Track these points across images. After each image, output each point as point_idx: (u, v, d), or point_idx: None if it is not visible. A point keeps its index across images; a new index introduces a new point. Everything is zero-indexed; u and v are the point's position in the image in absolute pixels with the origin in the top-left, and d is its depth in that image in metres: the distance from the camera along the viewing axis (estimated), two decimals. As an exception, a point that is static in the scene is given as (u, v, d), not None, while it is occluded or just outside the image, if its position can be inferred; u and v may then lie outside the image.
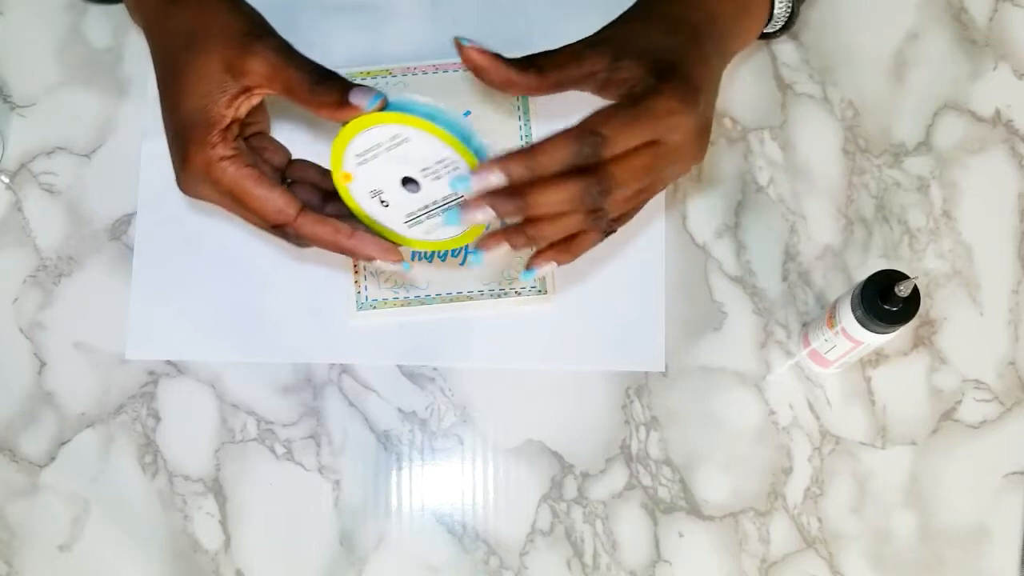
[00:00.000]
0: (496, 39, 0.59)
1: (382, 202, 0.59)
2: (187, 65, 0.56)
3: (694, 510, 0.77)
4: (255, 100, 0.57)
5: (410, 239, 0.61)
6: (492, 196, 0.54)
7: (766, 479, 0.78)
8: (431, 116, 0.54)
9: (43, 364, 0.79)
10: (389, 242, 0.60)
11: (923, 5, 0.85)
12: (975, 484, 0.78)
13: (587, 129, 0.53)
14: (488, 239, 0.57)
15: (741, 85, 0.83)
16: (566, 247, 0.58)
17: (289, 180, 0.62)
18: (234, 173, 0.57)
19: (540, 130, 0.80)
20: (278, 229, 0.59)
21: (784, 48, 0.84)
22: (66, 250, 0.81)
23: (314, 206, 0.60)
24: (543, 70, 0.56)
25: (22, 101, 0.83)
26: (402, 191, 0.58)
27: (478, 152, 0.55)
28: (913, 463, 0.78)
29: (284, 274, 0.80)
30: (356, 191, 0.59)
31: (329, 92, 0.55)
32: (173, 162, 0.58)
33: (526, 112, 0.80)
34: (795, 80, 0.84)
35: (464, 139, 0.55)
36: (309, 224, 0.58)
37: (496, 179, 0.53)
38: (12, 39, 0.84)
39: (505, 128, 0.80)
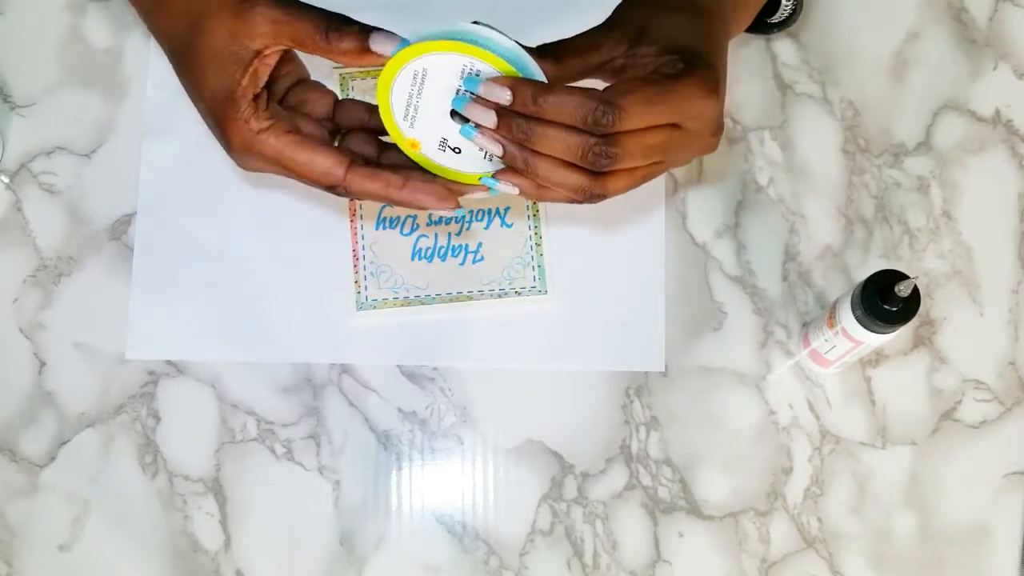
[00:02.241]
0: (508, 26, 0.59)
1: (453, 149, 0.58)
2: (195, 48, 0.55)
3: (694, 510, 0.77)
4: (271, 61, 0.56)
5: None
6: (501, 111, 0.53)
7: (766, 479, 0.78)
8: (448, 36, 0.53)
9: (43, 364, 0.79)
10: (444, 188, 0.58)
11: (923, 5, 0.85)
12: (975, 484, 0.78)
13: (605, 99, 0.52)
14: (506, 171, 0.56)
15: (741, 85, 0.83)
16: (538, 187, 0.57)
17: (341, 131, 0.61)
18: (275, 143, 0.56)
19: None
20: (332, 189, 0.57)
21: (784, 48, 0.84)
22: (66, 250, 0.81)
23: (369, 157, 0.59)
24: (561, 59, 0.56)
25: (22, 101, 0.83)
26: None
27: (490, 48, 0.54)
28: (913, 463, 0.78)
29: (284, 274, 0.80)
30: (428, 152, 0.58)
31: (347, 38, 0.54)
32: (220, 143, 0.57)
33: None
34: (795, 80, 0.84)
35: (476, 42, 0.54)
36: (358, 181, 0.57)
37: (502, 94, 0.53)
38: (12, 39, 0.84)
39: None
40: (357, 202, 0.80)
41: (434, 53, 0.53)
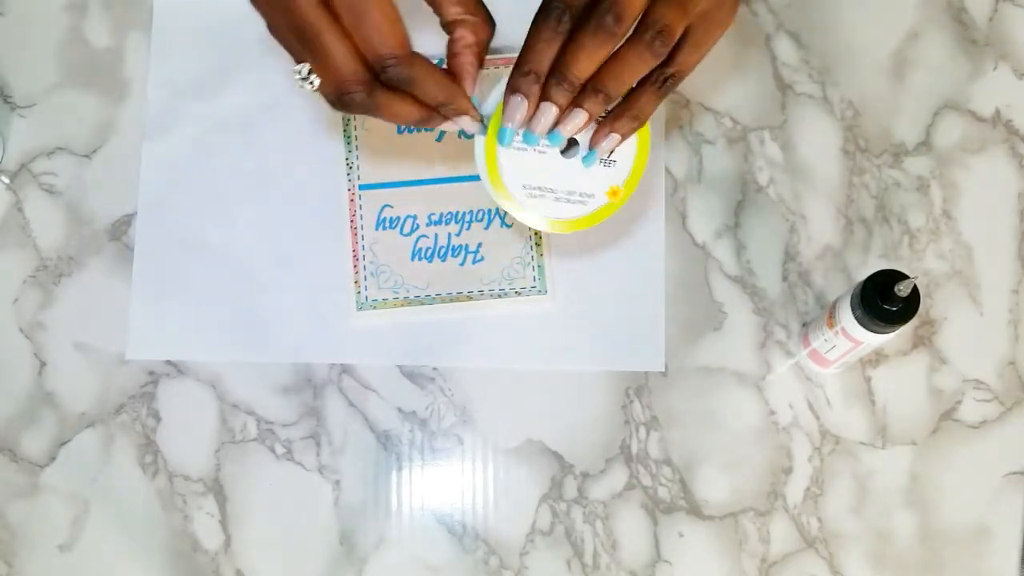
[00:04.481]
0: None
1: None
2: None
3: (694, 510, 0.77)
4: None
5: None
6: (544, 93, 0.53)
7: (766, 479, 0.78)
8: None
9: (43, 364, 0.79)
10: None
11: (923, 5, 0.85)
12: (975, 484, 0.78)
13: (603, 10, 0.51)
14: (596, 134, 0.56)
15: (741, 85, 0.83)
16: (624, 114, 0.55)
17: None
18: None
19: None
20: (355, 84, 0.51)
21: (784, 48, 0.84)
22: (66, 250, 0.81)
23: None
24: None
25: (22, 101, 0.83)
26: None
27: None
28: (913, 463, 0.78)
29: (284, 274, 0.80)
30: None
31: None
32: None
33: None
34: (795, 80, 0.84)
35: None
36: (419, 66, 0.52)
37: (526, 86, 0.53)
38: (12, 39, 0.84)
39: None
40: (357, 202, 0.80)
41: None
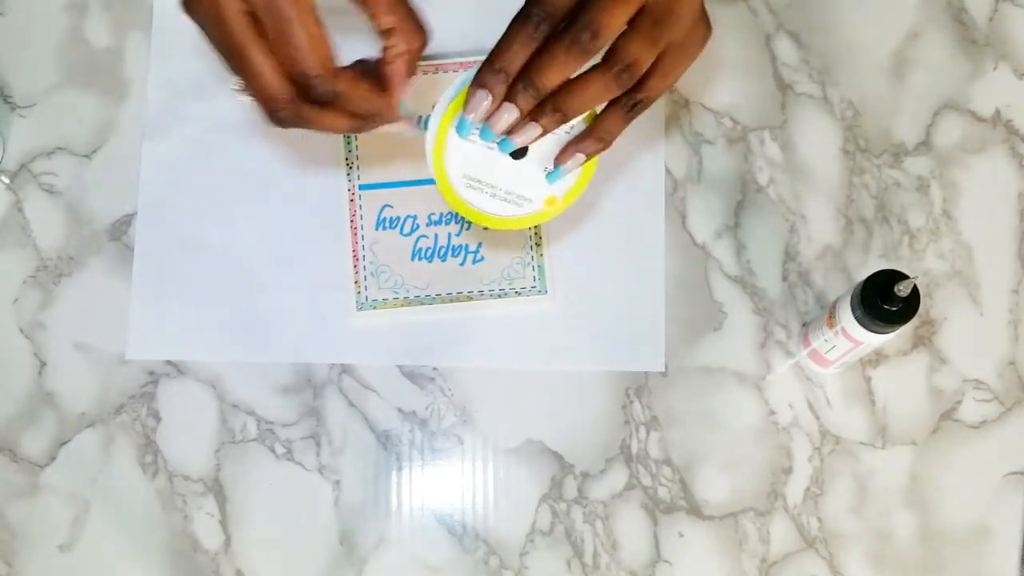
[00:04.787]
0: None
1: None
2: None
3: (694, 510, 0.77)
4: None
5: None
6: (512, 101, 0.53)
7: (766, 479, 0.78)
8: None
9: (43, 364, 0.79)
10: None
11: (923, 5, 0.85)
12: (975, 484, 0.78)
13: (580, 27, 0.51)
14: (562, 153, 0.56)
15: (741, 85, 0.83)
16: (590, 135, 0.56)
17: None
18: None
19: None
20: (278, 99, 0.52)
21: (784, 48, 0.84)
22: (66, 250, 0.81)
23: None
24: None
25: (22, 101, 0.83)
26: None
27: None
28: (913, 463, 0.78)
29: (284, 274, 0.80)
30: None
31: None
32: None
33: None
34: (795, 80, 0.84)
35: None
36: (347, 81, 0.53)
37: (494, 82, 0.53)
38: (12, 39, 0.84)
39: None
40: (357, 202, 0.80)
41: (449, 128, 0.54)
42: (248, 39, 0.51)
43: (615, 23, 0.51)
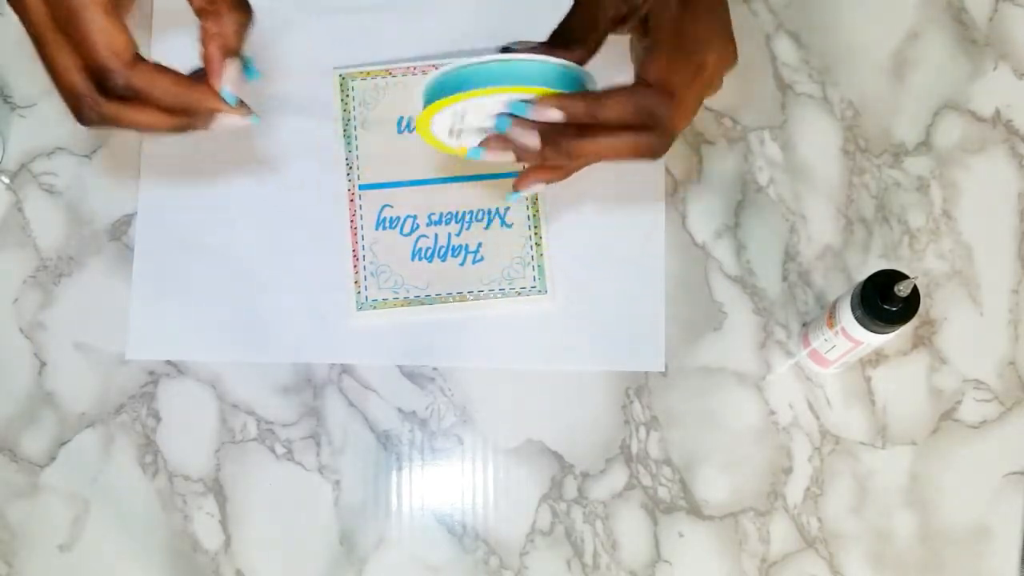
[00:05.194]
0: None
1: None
2: None
3: (694, 510, 0.77)
4: None
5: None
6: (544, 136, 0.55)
7: (766, 479, 0.78)
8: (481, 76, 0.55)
9: (43, 364, 0.79)
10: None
11: (923, 5, 0.85)
12: (975, 484, 0.78)
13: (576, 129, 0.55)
14: (524, 177, 0.58)
15: (741, 85, 0.83)
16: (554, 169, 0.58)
17: None
18: None
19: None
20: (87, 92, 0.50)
21: (784, 48, 0.84)
22: (66, 250, 0.81)
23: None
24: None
25: (22, 102, 0.83)
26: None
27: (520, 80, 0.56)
28: (913, 463, 0.78)
29: (284, 274, 0.80)
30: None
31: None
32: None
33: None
34: (795, 80, 0.84)
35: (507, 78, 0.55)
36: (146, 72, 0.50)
37: (553, 114, 0.54)
38: (12, 39, 0.84)
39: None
40: (357, 202, 0.80)
41: (472, 99, 0.55)
42: (49, 34, 0.49)
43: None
